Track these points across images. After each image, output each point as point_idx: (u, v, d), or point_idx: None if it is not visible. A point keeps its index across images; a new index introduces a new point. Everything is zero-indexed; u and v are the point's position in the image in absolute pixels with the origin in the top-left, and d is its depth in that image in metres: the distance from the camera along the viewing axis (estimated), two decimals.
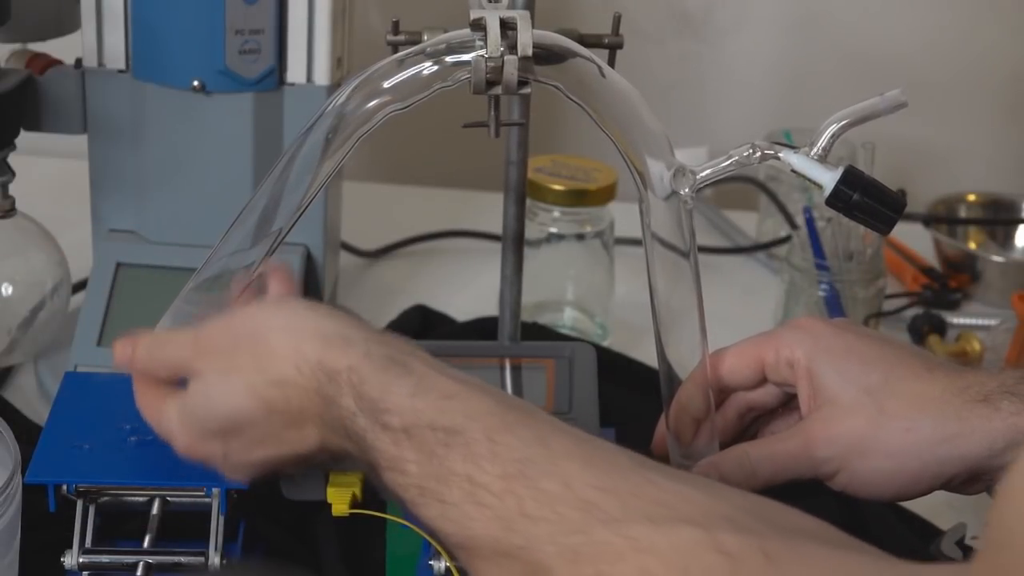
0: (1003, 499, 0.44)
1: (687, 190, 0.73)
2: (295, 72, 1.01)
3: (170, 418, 0.72)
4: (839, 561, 0.54)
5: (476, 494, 0.60)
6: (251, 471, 0.72)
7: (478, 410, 0.63)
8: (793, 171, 0.72)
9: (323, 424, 0.67)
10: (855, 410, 0.72)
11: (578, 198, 1.12)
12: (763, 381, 0.78)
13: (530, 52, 0.69)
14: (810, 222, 1.12)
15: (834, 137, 0.71)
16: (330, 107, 0.72)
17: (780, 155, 0.72)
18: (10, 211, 0.99)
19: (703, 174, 0.73)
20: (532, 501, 0.58)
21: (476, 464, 0.60)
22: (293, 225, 0.74)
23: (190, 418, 0.71)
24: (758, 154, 0.72)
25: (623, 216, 1.11)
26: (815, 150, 0.71)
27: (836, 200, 0.71)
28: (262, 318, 0.70)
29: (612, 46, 0.81)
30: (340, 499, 0.75)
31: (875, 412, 0.72)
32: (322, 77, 1.01)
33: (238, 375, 0.68)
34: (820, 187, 0.71)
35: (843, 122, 0.71)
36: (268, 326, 0.69)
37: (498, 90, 0.70)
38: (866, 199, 0.70)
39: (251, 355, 0.68)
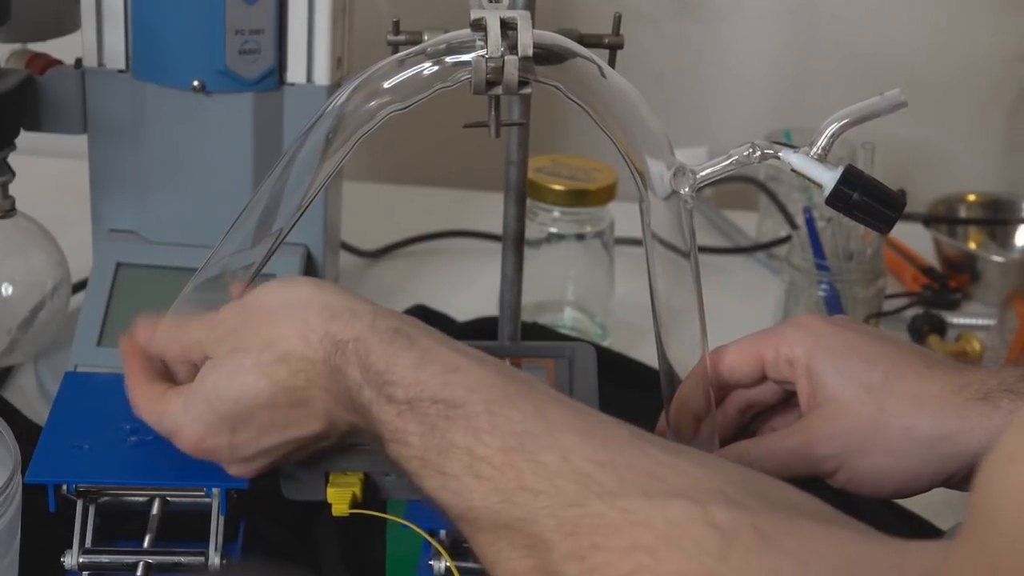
0: (984, 478, 0.44)
1: (687, 189, 0.73)
2: (295, 72, 1.01)
3: (174, 412, 0.72)
4: (829, 536, 0.54)
5: (476, 467, 0.60)
6: (258, 463, 0.72)
7: (479, 383, 0.63)
8: (793, 171, 0.72)
9: (330, 397, 0.68)
10: (855, 408, 0.73)
11: (578, 198, 1.12)
12: (763, 378, 0.78)
13: (530, 52, 0.69)
14: (810, 222, 1.12)
15: (834, 136, 0.71)
16: (330, 107, 0.72)
17: (780, 154, 0.72)
18: (10, 211, 0.99)
19: (703, 173, 0.73)
20: (531, 474, 0.59)
21: (476, 437, 0.61)
22: (293, 225, 0.74)
23: (198, 406, 0.70)
24: (758, 153, 0.72)
25: (623, 216, 1.11)
26: (815, 150, 0.71)
27: (836, 200, 0.71)
28: (270, 296, 0.71)
29: (612, 46, 0.81)
30: (340, 499, 0.75)
31: (875, 410, 0.72)
32: (322, 77, 1.01)
33: (245, 354, 0.69)
34: (820, 187, 0.71)
35: (843, 121, 0.71)
36: (276, 303, 0.70)
37: (498, 90, 0.70)
38: (866, 199, 0.70)
39: (259, 333, 0.69)
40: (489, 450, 0.60)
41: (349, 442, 0.71)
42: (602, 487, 0.57)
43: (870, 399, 0.72)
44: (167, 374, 0.75)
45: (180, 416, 0.71)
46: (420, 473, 0.63)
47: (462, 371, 0.64)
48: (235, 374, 0.69)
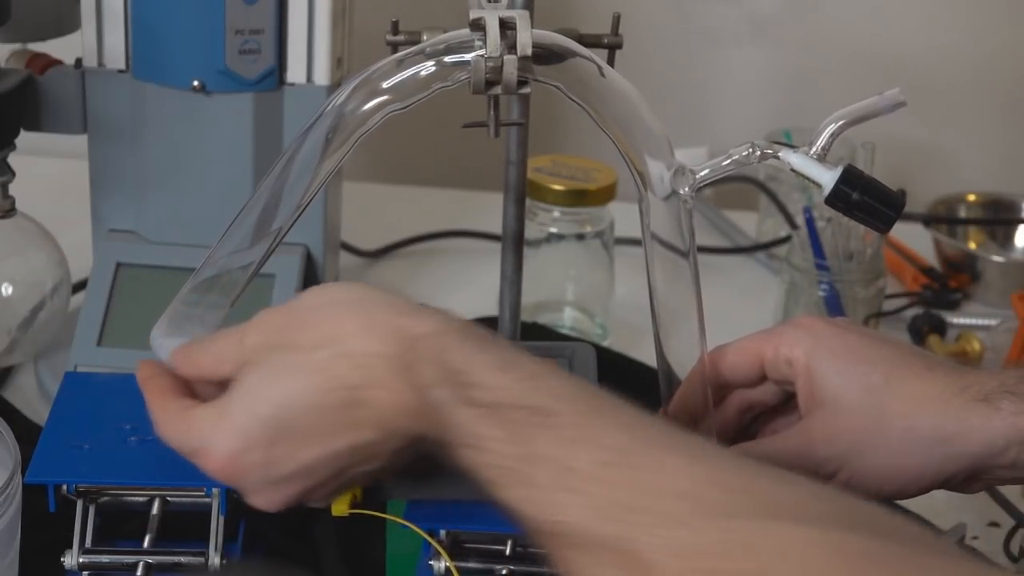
0: None
1: (687, 190, 0.73)
2: (295, 72, 1.01)
3: (202, 427, 0.65)
4: (955, 568, 0.53)
5: (567, 479, 0.58)
6: (291, 487, 0.65)
7: (566, 392, 0.61)
8: (793, 170, 0.72)
9: (390, 399, 0.62)
10: (856, 409, 0.72)
11: (578, 198, 1.12)
12: (763, 378, 0.78)
13: (530, 52, 0.69)
14: (810, 222, 1.12)
15: (833, 136, 0.71)
16: (330, 107, 0.71)
17: (779, 155, 0.72)
18: (10, 211, 0.99)
19: (702, 174, 0.73)
20: (631, 491, 0.56)
21: (568, 448, 0.58)
22: (292, 225, 0.74)
23: (234, 415, 0.64)
24: (758, 153, 0.72)
25: (623, 216, 1.11)
26: (814, 149, 0.71)
27: (836, 199, 0.71)
28: (318, 296, 0.66)
29: (612, 46, 0.81)
30: (340, 499, 0.75)
31: (876, 411, 0.72)
32: (322, 77, 1.01)
33: (295, 352, 0.63)
34: (820, 187, 0.71)
35: (842, 121, 0.71)
36: (327, 301, 0.65)
37: (498, 90, 0.70)
38: (866, 198, 0.71)
39: (311, 329, 0.64)
40: (582, 463, 0.58)
41: (392, 468, 0.65)
42: (713, 507, 0.55)
43: (871, 400, 0.72)
44: (190, 392, 0.69)
45: (209, 430, 0.64)
46: (499, 482, 0.59)
47: (545, 378, 0.61)
48: (281, 373, 0.63)
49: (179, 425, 0.66)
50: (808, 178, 0.71)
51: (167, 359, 0.70)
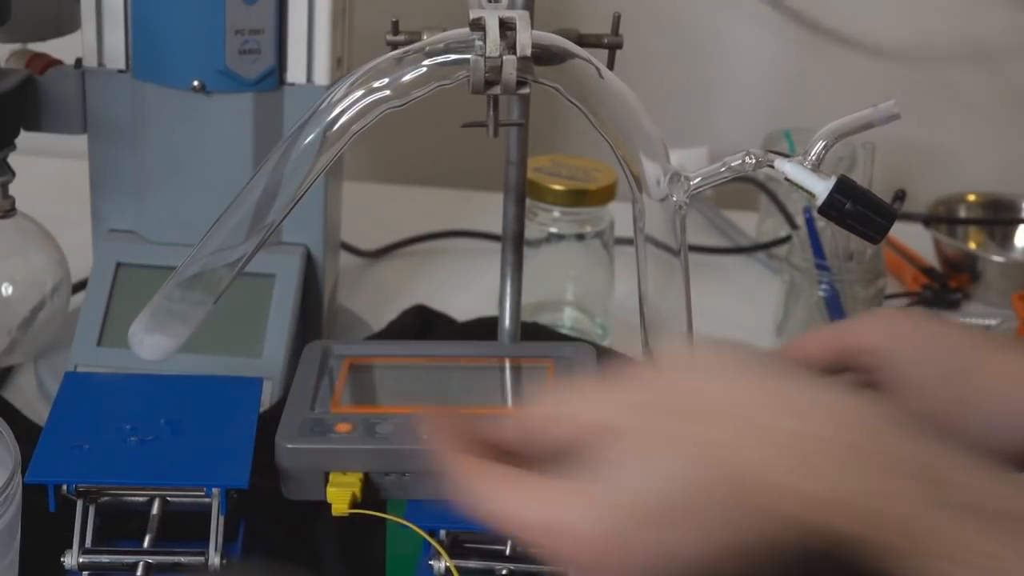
0: None
1: (681, 195, 0.73)
2: (295, 72, 1.01)
3: (562, 502, 0.54)
4: None
5: None
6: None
7: None
8: (787, 180, 0.72)
9: (807, 485, 0.52)
10: (937, 395, 0.70)
11: (578, 198, 1.12)
12: (843, 368, 0.76)
13: (529, 52, 0.69)
14: (810, 222, 1.12)
15: (827, 148, 0.71)
16: (325, 103, 0.71)
17: (774, 164, 0.72)
18: (10, 211, 0.99)
19: (696, 181, 0.73)
20: None
21: None
22: (282, 220, 0.74)
23: (603, 494, 0.54)
24: (753, 161, 0.72)
25: (623, 216, 1.11)
26: (809, 159, 0.72)
27: (829, 209, 0.71)
28: (694, 357, 0.58)
29: (612, 46, 0.81)
30: (340, 499, 0.75)
31: (957, 395, 0.70)
32: (322, 77, 1.01)
33: (680, 421, 0.54)
34: (813, 196, 0.72)
35: (836, 134, 0.71)
36: (707, 362, 0.56)
37: (497, 90, 0.70)
38: (859, 208, 0.71)
39: (700, 396, 0.55)
40: None
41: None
42: None
43: (951, 384, 0.70)
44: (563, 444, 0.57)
45: (571, 506, 0.54)
46: None
47: (1013, 476, 0.53)
48: (665, 443, 0.54)
49: (514, 495, 0.55)
50: (802, 187, 0.72)
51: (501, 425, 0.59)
